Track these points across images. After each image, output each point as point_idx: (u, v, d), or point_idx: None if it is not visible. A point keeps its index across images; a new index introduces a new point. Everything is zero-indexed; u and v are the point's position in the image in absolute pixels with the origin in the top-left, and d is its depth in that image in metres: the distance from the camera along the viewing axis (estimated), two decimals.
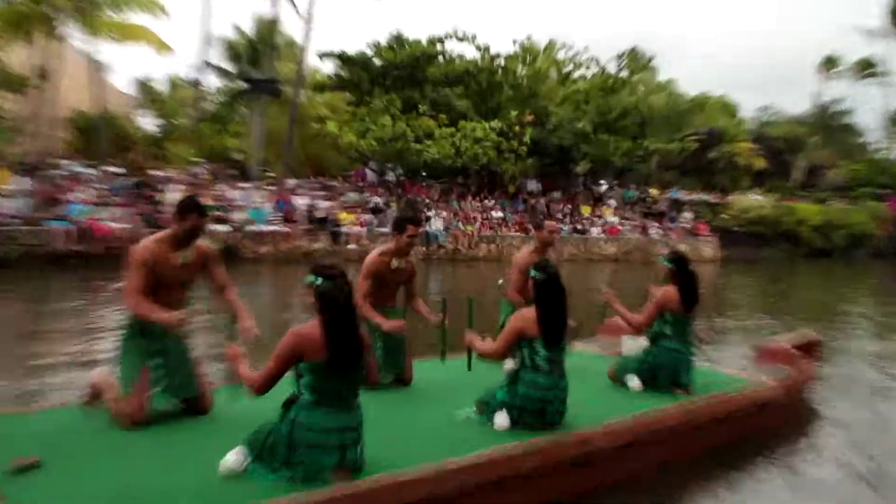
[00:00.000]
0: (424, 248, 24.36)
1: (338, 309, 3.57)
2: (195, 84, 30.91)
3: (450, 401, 4.88)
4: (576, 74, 33.65)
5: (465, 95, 30.05)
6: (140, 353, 4.29)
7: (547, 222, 6.44)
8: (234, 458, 3.60)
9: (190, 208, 4.42)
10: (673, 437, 4.91)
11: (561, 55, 35.00)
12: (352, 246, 22.97)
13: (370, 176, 29.07)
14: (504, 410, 4.46)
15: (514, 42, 31.50)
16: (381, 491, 3.40)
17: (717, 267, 28.19)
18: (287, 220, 22.16)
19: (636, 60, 38.58)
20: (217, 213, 20.77)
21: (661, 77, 53.54)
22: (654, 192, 36.93)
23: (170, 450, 3.82)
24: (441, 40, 29.76)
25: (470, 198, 29.38)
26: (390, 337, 5.34)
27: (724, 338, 10.43)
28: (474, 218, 27.02)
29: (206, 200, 20.78)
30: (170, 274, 4.39)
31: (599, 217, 31.30)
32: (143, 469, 3.55)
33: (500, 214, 28.45)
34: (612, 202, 33.51)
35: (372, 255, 5.50)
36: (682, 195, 37.48)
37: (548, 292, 4.50)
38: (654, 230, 32.15)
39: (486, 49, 30.65)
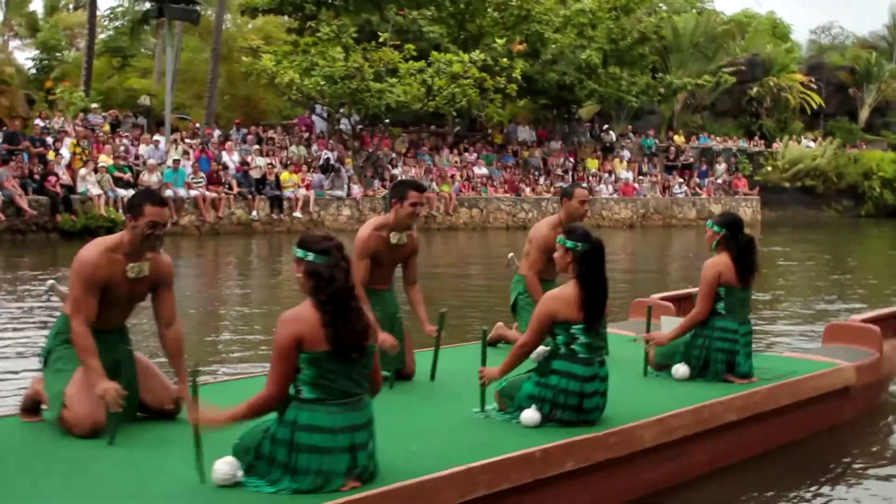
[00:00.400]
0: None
1: (336, 288, 3.83)
2: (84, 5, 31.57)
3: (464, 396, 5.31)
4: None
5: (438, 19, 30.90)
6: (69, 362, 4.63)
7: (577, 189, 6.87)
8: (223, 468, 3.84)
9: (141, 201, 4.73)
10: (732, 433, 5.40)
11: None
12: (297, 214, 24.03)
13: (318, 124, 29.98)
14: (533, 405, 4.81)
15: None
16: (406, 495, 3.78)
17: (759, 233, 29.54)
18: (213, 181, 23.11)
19: None
20: (120, 174, 21.70)
21: None
22: (679, 139, 38.19)
23: (145, 456, 4.26)
24: None
25: (446, 151, 30.44)
26: (385, 321, 5.66)
27: (780, 318, 11.54)
28: (452, 176, 28.11)
29: (105, 158, 21.72)
30: (117, 291, 4.69)
31: (610, 172, 32.56)
32: (133, 480, 3.93)
33: (483, 171, 29.60)
34: (626, 153, 34.77)
35: (365, 230, 5.85)
36: (716, 143, 38.84)
37: (592, 267, 4.89)
38: (680, 188, 33.46)
39: None
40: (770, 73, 43.73)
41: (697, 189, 33.73)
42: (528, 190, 29.66)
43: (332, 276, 3.82)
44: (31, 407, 4.86)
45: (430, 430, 4.72)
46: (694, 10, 46.29)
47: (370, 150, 27.75)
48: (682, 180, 34.12)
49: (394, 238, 5.88)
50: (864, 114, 48.63)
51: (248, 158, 24.87)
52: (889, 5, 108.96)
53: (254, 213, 23.36)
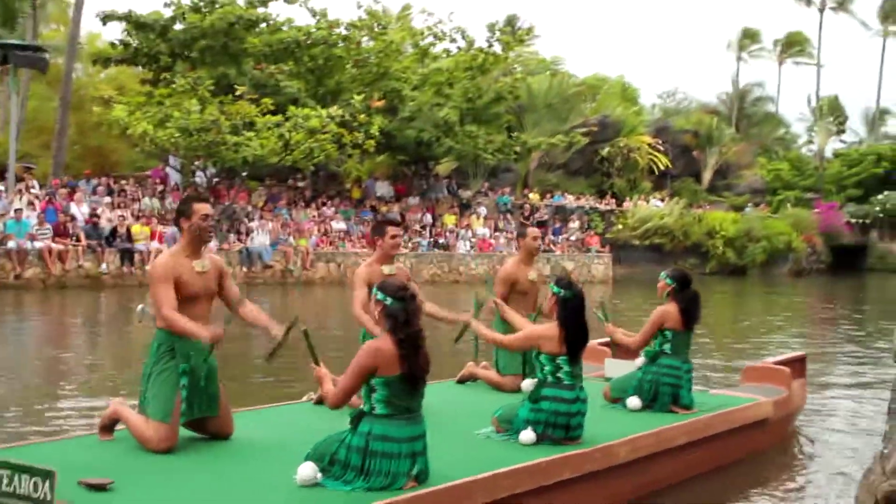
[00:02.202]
0: (245, 270, 25.17)
1: (411, 331, 4.84)
2: None
3: (461, 421, 6.31)
4: (437, 49, 35.33)
5: (297, 74, 31.07)
6: (173, 377, 5.46)
7: (529, 228, 8.39)
8: (306, 472, 4.79)
9: (185, 208, 5.71)
10: (682, 454, 6.56)
11: (419, 24, 36.65)
12: (149, 267, 23.48)
13: (173, 176, 29.51)
14: (529, 427, 5.86)
15: (359, 6, 32.78)
16: (449, 496, 4.80)
17: (611, 289, 30.47)
18: (60, 233, 22.43)
19: (512, 32, 40.79)
20: None
21: (544, 54, 56.63)
22: (533, 197, 39.19)
23: (230, 469, 5.15)
24: (264, 1, 30.70)
25: (303, 205, 30.39)
26: None
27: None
28: (309, 230, 28.05)
29: None
30: (192, 286, 5.59)
31: (467, 228, 33.07)
32: (220, 489, 4.78)
33: (341, 226, 29.66)
34: (483, 210, 35.42)
35: (361, 268, 7.05)
36: (569, 201, 40.02)
37: (572, 309, 5.97)
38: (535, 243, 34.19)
39: (323, 14, 31.84)
40: (620, 135, 45.50)
41: (551, 246, 34.59)
42: None
43: (406, 320, 4.85)
44: (108, 426, 5.67)
45: (449, 446, 5.57)
46: (548, 72, 47.79)
47: (226, 204, 27.46)
48: None
49: (385, 270, 6.95)
50: (707, 175, 51.07)
51: (98, 210, 24.24)
52: (729, 74, 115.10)
53: (103, 265, 22.71)
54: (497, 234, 33.98)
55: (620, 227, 39.00)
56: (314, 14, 31.93)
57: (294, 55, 30.67)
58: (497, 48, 34.33)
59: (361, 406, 4.93)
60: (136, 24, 29.38)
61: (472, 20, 74.26)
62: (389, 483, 4.74)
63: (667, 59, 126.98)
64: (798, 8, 69.78)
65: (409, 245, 30.17)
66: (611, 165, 45.25)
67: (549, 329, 6.01)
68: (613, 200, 42.33)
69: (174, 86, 26.48)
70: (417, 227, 31.98)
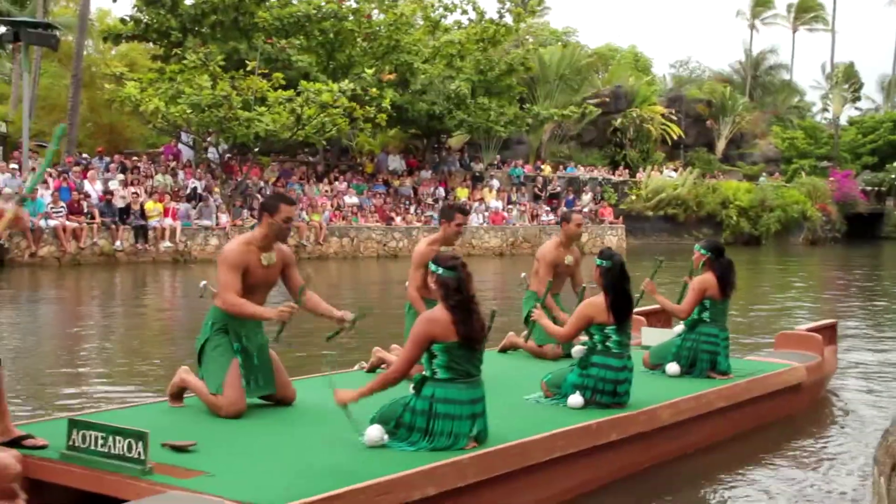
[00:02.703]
0: None
1: (461, 295, 5.15)
2: None
3: (509, 387, 6.59)
4: (448, 21, 35.19)
5: (308, 48, 31.00)
6: (227, 352, 5.76)
7: (574, 215, 8.64)
8: (375, 433, 5.12)
9: (272, 205, 5.97)
10: (720, 417, 6.90)
11: None
12: (165, 244, 23.60)
13: (185, 153, 29.57)
14: (578, 392, 6.18)
15: None
16: (509, 454, 5.11)
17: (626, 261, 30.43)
18: (74, 211, 22.52)
19: (523, 3, 40.58)
20: None
21: (555, 25, 56.36)
22: (546, 169, 39.13)
23: (299, 432, 5.51)
24: None
25: (315, 180, 30.42)
26: None
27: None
28: (322, 205, 28.09)
29: None
30: (255, 276, 5.87)
31: (480, 201, 33.06)
32: (295, 448, 5.12)
33: (354, 200, 29.68)
34: (495, 183, 35.40)
35: (422, 246, 7.32)
36: (581, 172, 39.95)
37: (615, 279, 6.27)
38: (548, 216, 34.23)
39: None
40: (633, 105, 45.34)
41: None
42: (398, 219, 29.87)
43: (457, 287, 5.15)
44: (177, 394, 5.98)
45: (501, 410, 5.74)
46: (559, 43, 47.59)
47: (239, 179, 27.51)
48: (549, 209, 34.92)
49: (443, 251, 6.98)
50: (720, 145, 50.87)
51: (112, 187, 24.32)
52: (742, 42, 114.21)
53: (117, 243, 22.82)
54: (510, 206, 33.94)
55: (633, 198, 38.96)
56: None
57: (304, 29, 30.55)
58: (508, 20, 34.10)
59: (423, 372, 5.23)
60: (146, 0, 29.33)
61: None
62: (452, 443, 5.04)
63: (679, 28, 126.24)
64: None
65: (423, 218, 30.17)
66: (623, 136, 45.11)
67: (596, 300, 6.34)
68: (626, 171, 42.24)
69: (185, 62, 26.43)
70: (430, 200, 31.96)
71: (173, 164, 28.26)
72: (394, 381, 5.26)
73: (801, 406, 8.00)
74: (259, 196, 26.97)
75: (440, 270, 5.23)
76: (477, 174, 35.80)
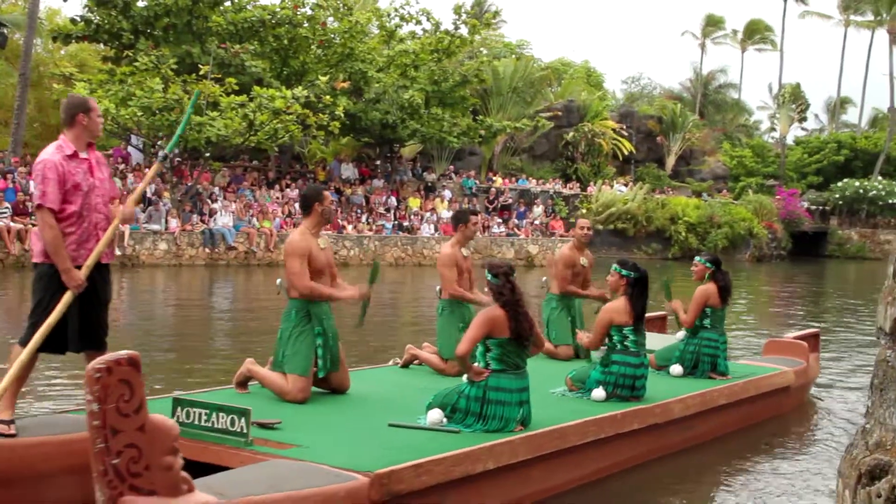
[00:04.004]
0: (208, 251, 25.03)
1: (509, 298, 6.00)
2: None
3: (533, 382, 7.04)
4: (404, 30, 35.28)
5: (261, 54, 30.85)
6: (310, 338, 6.52)
7: (580, 220, 9.77)
8: (435, 416, 5.94)
9: (317, 193, 6.77)
10: (721, 413, 7.74)
11: (384, 5, 36.51)
12: (114, 250, 23.26)
13: (135, 156, 29.26)
14: (600, 387, 7.02)
15: None
16: (550, 437, 5.92)
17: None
18: (19, 212, 22.17)
19: (479, 15, 40.80)
20: None
21: (510, 38, 56.65)
22: (498, 181, 39.29)
23: (362, 414, 6.25)
24: None
25: (267, 186, 30.24)
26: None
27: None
28: (273, 212, 27.93)
29: None
30: (318, 259, 6.64)
31: (432, 211, 33.10)
32: (367, 427, 5.80)
33: None
34: (448, 193, 35.47)
35: (447, 249, 8.18)
36: (533, 185, 40.16)
37: (638, 288, 7.17)
38: (499, 227, 34.37)
39: None
40: (584, 120, 45.76)
41: (516, 230, 34.72)
42: (350, 227, 29.80)
43: (500, 292, 6.03)
44: (243, 382, 6.71)
45: (536, 401, 6.29)
46: (513, 56, 47.86)
47: (189, 184, 27.27)
48: (501, 220, 35.05)
49: (464, 252, 8.23)
50: (670, 161, 51.50)
51: None
52: (692, 60, 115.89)
53: None
54: None
55: (584, 211, 39.22)
56: None
57: (259, 35, 30.44)
58: (463, 31, 34.29)
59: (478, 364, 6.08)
60: (97, 0, 28.99)
61: (438, 2, 74.05)
62: (503, 426, 5.83)
63: (631, 44, 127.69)
64: None
65: (375, 227, 30.15)
66: (575, 150, 45.49)
67: (617, 304, 7.20)
68: (577, 185, 42.55)
69: (136, 64, 26.19)
70: (382, 209, 31.94)
71: (122, 166, 27.92)
72: (458, 362, 6.18)
73: (789, 406, 8.87)
74: (209, 201, 26.77)
75: (489, 277, 6.15)
76: (429, 184, 35.86)
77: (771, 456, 7.45)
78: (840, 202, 50.59)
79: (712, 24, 69.62)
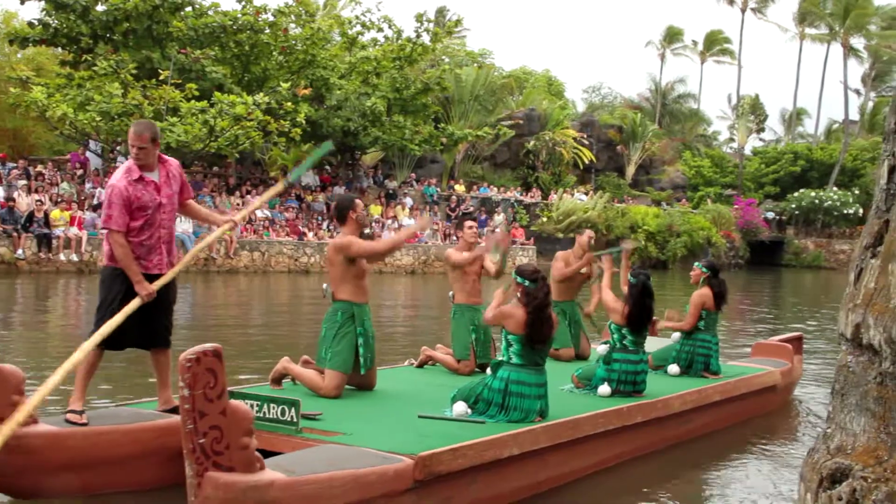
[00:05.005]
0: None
1: (538, 302, 6.43)
2: None
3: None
4: (366, 38, 35.25)
5: (222, 60, 30.70)
6: (352, 338, 7.08)
7: (586, 231, 10.23)
8: (460, 407, 6.44)
9: (350, 202, 7.33)
10: (715, 409, 8.29)
11: (346, 12, 36.47)
12: (71, 256, 22.99)
13: (93, 161, 28.97)
14: (605, 383, 7.58)
15: None
16: (566, 427, 6.42)
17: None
18: None
19: (440, 24, 40.88)
20: None
21: (472, 46, 56.83)
22: (459, 189, 39.38)
23: (392, 407, 6.76)
24: None
25: (227, 193, 30.07)
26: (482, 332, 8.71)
27: None
28: None
29: None
30: (365, 265, 7.27)
31: (393, 219, 33.10)
32: (402, 419, 6.29)
33: (266, 214, 29.44)
34: (409, 201, 35.50)
35: (453, 253, 8.77)
36: (494, 193, 40.29)
37: (640, 293, 7.67)
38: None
39: (249, 0, 31.51)
40: (546, 128, 45.99)
41: (477, 237, 34.71)
42: (310, 234, 29.72)
43: (535, 296, 6.43)
44: (278, 378, 7.25)
45: (549, 396, 6.73)
46: (475, 64, 48.02)
47: None
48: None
49: (466, 255, 8.80)
50: (630, 170, 51.91)
51: (14, 194, 23.68)
52: (651, 70, 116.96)
53: (19, 251, 22.21)
54: None
55: (545, 219, 39.42)
56: None
57: (220, 41, 30.30)
58: (425, 39, 34.32)
59: (500, 357, 6.61)
60: (55, 3, 28.64)
61: (400, 10, 74.07)
62: (523, 417, 6.31)
63: (592, 54, 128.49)
64: (721, 8, 70.79)
65: (335, 234, 30.05)
66: (536, 158, 45.71)
67: (616, 303, 7.73)
68: (538, 193, 42.74)
69: (95, 68, 25.99)
70: None
71: (80, 172, 27.65)
72: (489, 318, 6.67)
73: (776, 404, 9.51)
74: None
75: (526, 282, 6.48)
76: (390, 191, 35.86)
77: (739, 461, 7.63)
78: (796, 212, 51.29)
79: (672, 35, 70.30)
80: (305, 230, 29.80)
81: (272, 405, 5.77)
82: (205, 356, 4.39)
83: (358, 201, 7.38)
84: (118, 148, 26.99)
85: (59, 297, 19.12)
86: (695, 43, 70.66)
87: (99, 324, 5.85)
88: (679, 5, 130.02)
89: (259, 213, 29.12)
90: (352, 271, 7.15)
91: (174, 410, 5.90)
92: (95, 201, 25.18)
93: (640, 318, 7.67)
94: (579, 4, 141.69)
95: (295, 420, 5.69)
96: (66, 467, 5.47)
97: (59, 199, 24.61)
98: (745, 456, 7.69)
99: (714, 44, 70.00)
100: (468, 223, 8.57)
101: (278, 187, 8.40)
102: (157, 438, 5.76)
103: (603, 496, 6.49)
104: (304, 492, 4.67)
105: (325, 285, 7.39)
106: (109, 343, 5.87)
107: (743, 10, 64.22)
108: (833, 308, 23.47)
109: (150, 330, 6.11)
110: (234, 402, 4.53)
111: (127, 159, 6.25)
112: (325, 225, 30.82)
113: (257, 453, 4.53)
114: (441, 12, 58.05)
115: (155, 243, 6.14)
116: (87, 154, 29.19)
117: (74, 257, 23.15)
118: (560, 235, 38.79)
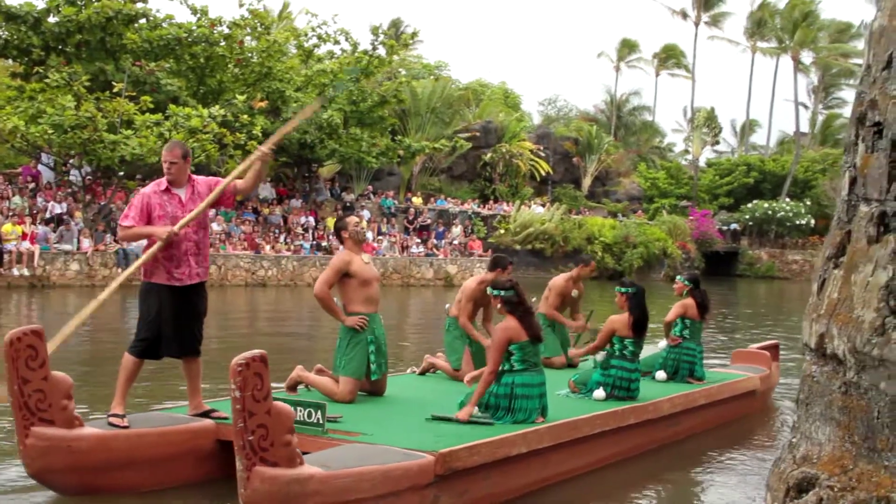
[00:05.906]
0: (121, 271, 24.50)
1: (522, 307, 6.91)
2: None
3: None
4: (322, 50, 35.22)
5: (178, 72, 30.48)
6: (364, 345, 7.47)
7: (592, 262, 10.77)
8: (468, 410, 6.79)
9: (342, 223, 7.68)
10: (700, 412, 8.84)
11: (302, 24, 36.41)
12: (22, 271, 22.65)
13: (46, 174, 28.59)
14: (601, 388, 7.97)
15: (241, 5, 32.32)
16: (567, 427, 6.86)
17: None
18: None
19: (396, 36, 40.92)
20: None
21: (428, 59, 56.98)
22: (417, 201, 39.39)
23: (403, 410, 7.21)
24: None
25: None
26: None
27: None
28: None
29: None
30: (364, 272, 7.59)
31: None
32: (416, 421, 6.72)
33: (222, 227, 29.22)
34: (366, 213, 35.42)
35: (471, 284, 8.96)
36: (452, 205, 40.36)
37: (637, 302, 8.14)
38: (418, 248, 34.42)
39: (204, 12, 31.32)
40: (502, 140, 46.21)
41: (434, 250, 34.82)
42: (268, 248, 29.55)
43: (518, 302, 6.91)
44: (293, 385, 7.69)
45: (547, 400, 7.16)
46: (431, 77, 48.13)
47: (102, 203, 26.75)
48: (419, 241, 35.11)
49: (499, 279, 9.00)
50: (586, 182, 52.28)
51: None
52: (606, 83, 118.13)
53: None
54: (380, 237, 34.01)
55: (502, 231, 39.56)
56: (195, 11, 31.35)
57: (175, 53, 30.07)
58: (381, 51, 34.35)
59: (502, 367, 6.89)
60: (6, 15, 28.27)
61: (356, 23, 74.12)
62: (527, 417, 6.75)
63: (548, 66, 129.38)
64: (675, 21, 71.63)
65: (292, 248, 29.94)
66: (493, 171, 45.89)
67: (621, 317, 8.12)
68: (495, 205, 42.88)
69: (47, 80, 25.62)
70: (300, 229, 31.75)
71: (32, 185, 27.28)
72: (491, 381, 6.79)
73: (755, 408, 10.14)
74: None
75: (503, 293, 6.95)
76: (347, 204, 35.76)
77: (710, 467, 7.97)
78: (750, 223, 51.93)
79: (627, 47, 70.97)
80: (262, 243, 29.63)
81: (300, 408, 6.17)
82: (253, 361, 4.90)
83: (350, 219, 7.74)
84: (71, 161, 26.66)
85: (12, 313, 18.80)
86: (651, 56, 71.43)
87: (139, 333, 6.57)
88: (634, 19, 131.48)
89: (215, 227, 28.89)
90: (352, 283, 7.54)
91: (205, 415, 6.57)
92: (48, 215, 24.85)
93: (643, 323, 8.12)
94: (535, 17, 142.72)
95: (321, 422, 6.13)
96: (111, 466, 6.01)
97: (11, 213, 24.26)
98: (723, 461, 8.07)
99: (669, 57, 70.81)
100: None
101: (315, 105, 8.67)
102: (190, 440, 6.34)
103: (603, 493, 6.98)
104: (339, 485, 5.18)
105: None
106: (148, 353, 6.56)
107: (696, 24, 65.01)
108: (788, 317, 23.80)
109: (182, 339, 6.62)
110: (277, 402, 5.02)
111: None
112: (281, 238, 30.66)
113: (298, 450, 5.03)
114: (396, 24, 58.14)
115: (182, 255, 6.61)
116: (39, 167, 28.79)
117: (26, 272, 22.81)
118: (518, 247, 38.95)
